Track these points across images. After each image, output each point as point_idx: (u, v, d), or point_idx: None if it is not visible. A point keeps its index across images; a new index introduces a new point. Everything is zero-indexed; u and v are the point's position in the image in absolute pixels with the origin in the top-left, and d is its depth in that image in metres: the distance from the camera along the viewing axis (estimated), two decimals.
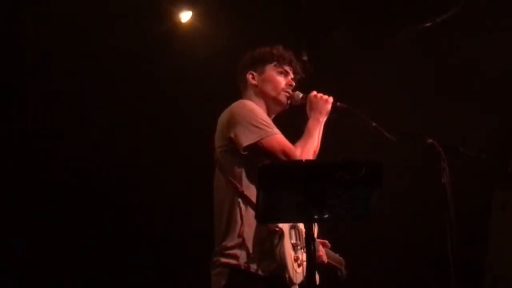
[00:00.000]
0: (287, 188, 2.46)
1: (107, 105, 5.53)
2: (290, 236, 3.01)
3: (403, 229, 5.49)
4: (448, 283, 2.88)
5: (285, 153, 3.05)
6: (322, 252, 3.42)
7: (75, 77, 5.36)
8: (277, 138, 3.09)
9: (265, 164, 2.57)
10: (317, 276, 3.24)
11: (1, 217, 5.14)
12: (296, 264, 3.00)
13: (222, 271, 3.03)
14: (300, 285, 3.09)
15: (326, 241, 3.51)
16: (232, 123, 3.11)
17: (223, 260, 3.03)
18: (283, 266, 2.94)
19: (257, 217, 2.60)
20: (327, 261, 3.51)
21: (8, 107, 5.26)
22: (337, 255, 3.71)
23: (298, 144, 3.16)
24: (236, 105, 3.19)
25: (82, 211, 5.49)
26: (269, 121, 3.15)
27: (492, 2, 5.18)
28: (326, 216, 2.55)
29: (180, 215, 5.61)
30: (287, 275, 2.94)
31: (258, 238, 2.98)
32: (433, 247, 4.41)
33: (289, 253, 2.98)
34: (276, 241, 2.95)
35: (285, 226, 2.99)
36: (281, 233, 2.95)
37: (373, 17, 5.51)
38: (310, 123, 3.24)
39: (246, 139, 3.04)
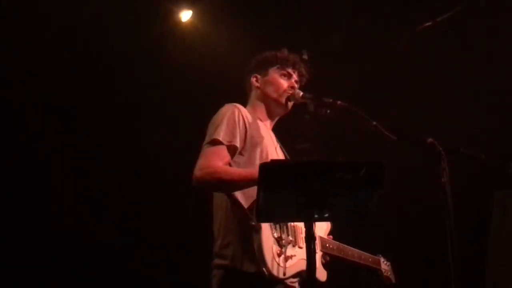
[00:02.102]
0: (287, 187, 2.46)
1: (106, 105, 5.53)
2: (272, 230, 3.00)
3: (403, 229, 5.48)
4: (448, 283, 2.87)
5: (201, 165, 3.03)
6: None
7: (74, 77, 5.35)
8: (215, 149, 3.07)
9: (266, 163, 2.56)
10: (325, 273, 3.26)
11: None
12: (280, 259, 2.98)
13: (217, 273, 3.09)
14: (302, 278, 3.11)
15: (330, 236, 3.50)
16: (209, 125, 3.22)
17: (217, 261, 3.09)
18: (260, 261, 2.92)
19: (256, 215, 2.60)
20: (357, 262, 3.56)
21: None
22: (369, 255, 3.70)
23: (226, 167, 3.05)
24: (218, 111, 3.25)
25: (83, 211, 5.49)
26: (234, 131, 3.13)
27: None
28: (326, 215, 2.55)
29: (184, 217, 5.59)
30: (264, 270, 2.92)
31: (241, 236, 3.01)
32: (433, 247, 4.40)
33: (268, 248, 2.95)
34: (253, 236, 2.94)
35: None
36: (257, 228, 2.93)
37: (374, 17, 5.52)
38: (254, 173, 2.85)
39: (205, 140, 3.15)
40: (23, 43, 5.11)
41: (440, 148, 3.01)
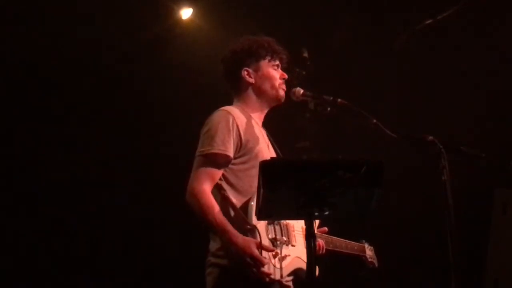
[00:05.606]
0: (287, 185, 2.47)
1: (106, 104, 5.53)
2: (267, 232, 3.03)
3: (403, 228, 5.48)
4: (448, 283, 2.87)
5: (191, 188, 3.07)
6: (321, 244, 3.43)
7: (73, 76, 5.34)
8: (207, 170, 3.10)
9: (266, 161, 2.57)
10: (316, 268, 3.28)
11: None
12: (276, 260, 3.02)
13: (212, 271, 3.11)
14: (297, 276, 3.14)
15: (325, 228, 3.52)
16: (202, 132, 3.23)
17: (213, 260, 3.12)
18: None
19: (257, 213, 2.60)
20: (345, 252, 3.59)
21: None
22: (355, 243, 3.74)
23: (211, 199, 3.06)
24: (211, 116, 3.25)
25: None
26: (229, 141, 3.13)
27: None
28: (327, 213, 2.56)
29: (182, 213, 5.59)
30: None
31: None
32: (433, 247, 4.40)
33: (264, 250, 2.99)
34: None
35: (260, 223, 3.01)
36: (252, 231, 2.98)
37: (374, 15, 5.52)
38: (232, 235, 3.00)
39: (198, 149, 3.18)
40: (21, 40, 5.10)
41: (441, 146, 3.01)
